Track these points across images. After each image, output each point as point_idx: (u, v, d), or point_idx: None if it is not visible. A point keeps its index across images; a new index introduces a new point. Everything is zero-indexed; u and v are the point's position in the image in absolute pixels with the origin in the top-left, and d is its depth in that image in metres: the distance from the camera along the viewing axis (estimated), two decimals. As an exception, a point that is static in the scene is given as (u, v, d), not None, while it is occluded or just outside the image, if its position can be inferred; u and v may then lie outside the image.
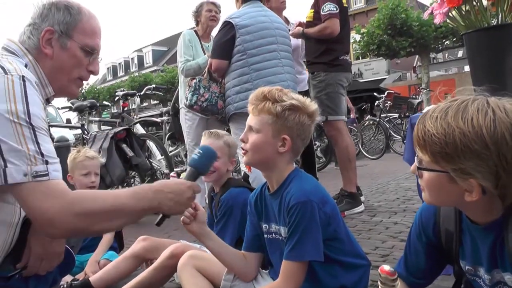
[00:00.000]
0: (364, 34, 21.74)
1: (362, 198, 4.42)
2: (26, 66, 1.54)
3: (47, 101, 1.66)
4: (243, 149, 1.81)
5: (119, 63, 55.18)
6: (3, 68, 1.38)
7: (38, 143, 1.33)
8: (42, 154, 1.33)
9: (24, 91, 1.36)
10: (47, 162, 1.33)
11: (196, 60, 4.33)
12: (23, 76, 1.39)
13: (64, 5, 1.60)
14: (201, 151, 1.73)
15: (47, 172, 1.32)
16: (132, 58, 53.71)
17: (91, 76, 1.73)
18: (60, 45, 1.59)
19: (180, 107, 4.53)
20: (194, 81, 3.71)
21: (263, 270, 1.99)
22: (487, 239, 1.26)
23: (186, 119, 4.38)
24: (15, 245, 1.51)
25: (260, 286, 1.90)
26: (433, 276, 1.57)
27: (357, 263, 1.79)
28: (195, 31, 4.63)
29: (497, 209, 1.21)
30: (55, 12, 1.59)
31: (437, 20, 2.39)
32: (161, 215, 1.61)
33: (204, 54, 4.44)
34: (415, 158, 1.27)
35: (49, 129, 1.63)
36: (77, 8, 1.62)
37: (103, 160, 3.52)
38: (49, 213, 1.29)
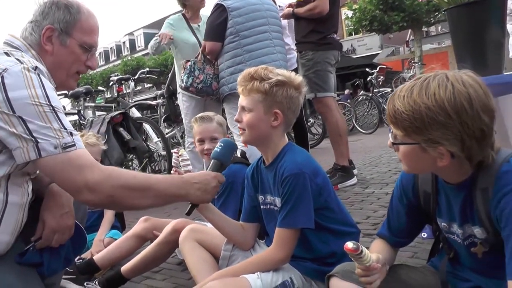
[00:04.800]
0: (356, 10, 21.56)
1: (355, 171, 4.55)
2: None
3: None
4: (240, 128, 1.91)
5: (111, 48, 54.75)
6: (18, 60, 1.49)
7: (60, 120, 1.47)
8: (65, 128, 1.47)
9: (40, 78, 1.48)
10: (71, 134, 1.47)
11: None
12: (36, 67, 1.51)
13: (64, 4, 1.69)
14: (222, 144, 1.87)
15: (74, 143, 1.46)
16: (124, 42, 53.26)
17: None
18: (60, 42, 1.69)
19: (178, 90, 4.62)
20: (189, 63, 3.80)
21: (260, 240, 2.11)
22: (458, 197, 1.41)
23: (184, 101, 4.45)
24: (25, 223, 1.64)
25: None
26: (413, 236, 1.72)
27: (347, 231, 1.91)
28: (183, 14, 4.69)
29: (466, 170, 1.35)
30: (56, 10, 1.68)
31: (422, -4, 2.47)
32: (190, 205, 1.76)
33: (194, 35, 4.52)
34: (390, 134, 1.41)
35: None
36: (77, 7, 1.71)
37: (105, 147, 3.61)
38: (90, 182, 1.44)
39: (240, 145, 3.53)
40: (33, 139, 1.41)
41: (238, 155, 3.29)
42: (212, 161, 1.85)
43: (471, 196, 1.37)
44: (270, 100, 1.83)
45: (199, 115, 2.79)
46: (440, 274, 1.54)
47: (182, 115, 4.61)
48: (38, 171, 1.70)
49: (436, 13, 20.28)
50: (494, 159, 1.32)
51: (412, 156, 1.37)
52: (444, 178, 1.44)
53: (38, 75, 1.49)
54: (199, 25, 4.62)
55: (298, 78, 1.89)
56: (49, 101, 1.46)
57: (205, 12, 4.77)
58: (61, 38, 1.69)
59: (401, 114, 1.30)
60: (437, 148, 1.29)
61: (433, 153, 1.30)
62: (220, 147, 1.85)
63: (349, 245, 1.32)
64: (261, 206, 2.01)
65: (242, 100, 1.89)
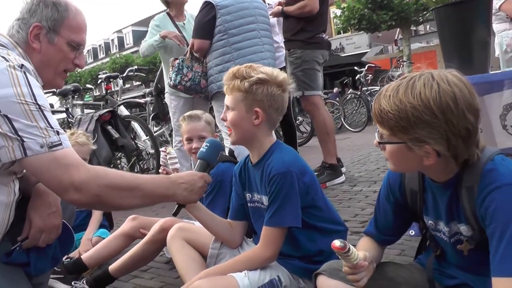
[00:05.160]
0: (345, 9, 21.63)
1: (343, 170, 4.58)
2: None
3: None
4: (227, 127, 1.91)
5: (99, 45, 54.39)
6: (4, 58, 1.47)
7: (46, 119, 1.45)
8: (52, 127, 1.45)
9: (26, 77, 1.46)
10: (58, 133, 1.45)
11: (148, 41, 4.45)
12: (22, 65, 1.49)
13: (52, 2, 1.67)
14: (208, 144, 1.86)
15: (60, 142, 1.44)
16: (112, 40, 52.94)
17: None
18: (48, 40, 1.67)
19: (165, 89, 4.60)
20: (177, 61, 3.80)
21: (248, 238, 2.12)
22: (444, 195, 1.43)
23: (172, 99, 4.45)
24: (12, 222, 1.62)
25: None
26: (400, 233, 1.74)
27: (334, 229, 1.92)
28: (168, 13, 4.66)
29: (452, 168, 1.37)
30: (43, 8, 1.66)
31: (410, -4, 2.49)
32: (177, 205, 1.75)
33: (180, 33, 4.50)
34: (376, 133, 1.42)
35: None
36: (64, 5, 1.69)
37: (94, 147, 3.58)
38: (76, 181, 1.42)
39: (228, 144, 3.54)
40: (18, 138, 1.39)
41: (227, 153, 3.30)
42: (198, 161, 1.84)
43: (457, 194, 1.38)
44: (251, 99, 1.82)
45: (187, 113, 2.79)
46: (427, 271, 1.56)
47: (170, 114, 4.60)
48: (25, 170, 1.68)
49: (424, 12, 20.41)
50: (479, 158, 1.34)
51: (398, 155, 1.38)
52: (431, 176, 1.45)
53: (24, 73, 1.47)
54: (184, 23, 4.60)
55: (281, 76, 1.87)
56: (35, 99, 1.44)
57: (190, 10, 4.77)
58: (48, 36, 1.67)
59: (387, 114, 1.31)
60: (423, 147, 1.30)
61: (419, 152, 1.32)
62: (206, 147, 1.85)
63: (336, 243, 1.32)
64: (249, 204, 2.01)
65: (226, 99, 1.90)
